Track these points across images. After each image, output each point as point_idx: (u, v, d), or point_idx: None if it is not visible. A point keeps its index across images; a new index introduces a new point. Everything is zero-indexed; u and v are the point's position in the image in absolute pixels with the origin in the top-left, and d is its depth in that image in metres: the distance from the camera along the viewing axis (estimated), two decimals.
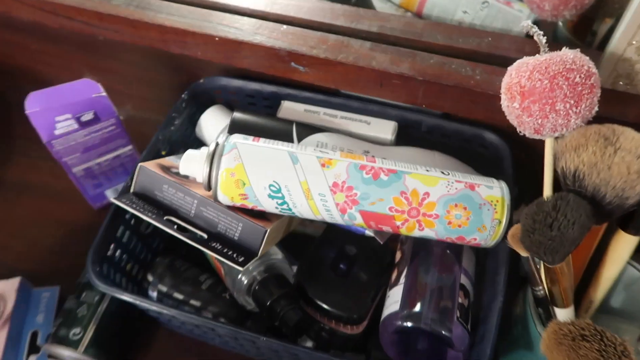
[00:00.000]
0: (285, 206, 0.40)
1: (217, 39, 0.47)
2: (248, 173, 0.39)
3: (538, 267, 0.37)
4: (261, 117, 0.47)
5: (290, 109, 0.50)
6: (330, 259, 0.46)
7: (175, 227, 0.42)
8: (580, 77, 0.33)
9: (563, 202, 0.31)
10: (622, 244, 0.38)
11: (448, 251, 0.44)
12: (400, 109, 0.48)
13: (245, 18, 0.49)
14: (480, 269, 0.45)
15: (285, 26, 0.48)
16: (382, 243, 0.44)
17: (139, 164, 0.44)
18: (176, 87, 0.56)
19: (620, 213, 0.33)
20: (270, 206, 0.40)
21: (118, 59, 0.61)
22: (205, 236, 0.41)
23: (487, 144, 0.47)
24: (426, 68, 0.44)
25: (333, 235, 0.48)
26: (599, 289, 0.40)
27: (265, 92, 0.51)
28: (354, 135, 0.48)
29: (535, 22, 0.53)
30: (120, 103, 0.65)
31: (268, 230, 0.41)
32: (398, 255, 0.46)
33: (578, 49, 0.35)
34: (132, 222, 0.47)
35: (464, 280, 0.42)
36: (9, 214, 0.61)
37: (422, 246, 0.45)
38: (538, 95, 0.34)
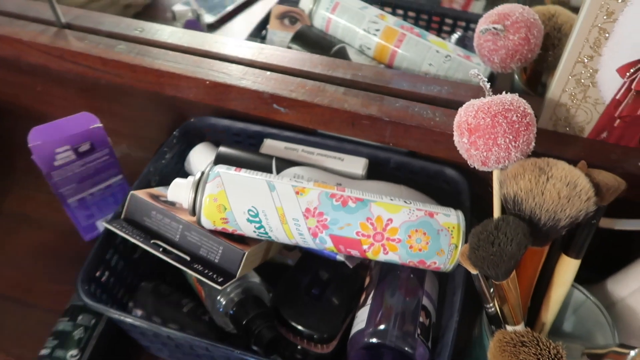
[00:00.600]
0: (262, 230, 0.44)
1: (207, 82, 0.53)
2: (229, 198, 0.43)
3: (488, 285, 0.40)
4: (245, 151, 0.52)
5: (271, 146, 0.55)
6: (304, 284, 0.49)
7: (161, 249, 0.45)
8: (517, 116, 0.39)
9: (504, 222, 0.36)
10: (566, 267, 0.42)
11: (412, 275, 0.48)
12: (371, 147, 0.54)
13: (234, 65, 0.55)
14: (442, 293, 0.49)
15: (269, 72, 0.54)
16: (351, 267, 0.48)
17: (131, 192, 0.49)
18: (170, 126, 0.61)
19: (555, 235, 0.38)
20: (248, 230, 0.44)
21: (117, 100, 0.66)
22: (188, 258, 0.45)
23: (448, 179, 0.52)
24: (392, 110, 0.50)
25: (308, 263, 0.51)
26: (549, 311, 0.44)
27: (250, 131, 0.57)
28: (328, 170, 0.53)
29: (492, 76, 0.61)
30: (117, 142, 0.70)
31: (246, 253, 0.44)
32: (367, 280, 0.50)
33: (516, 94, 0.41)
34: (122, 246, 0.51)
35: (426, 302, 0.46)
36: (5, 243, 0.64)
37: (388, 271, 0.48)
38: (482, 131, 0.39)
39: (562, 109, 0.46)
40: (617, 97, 0.43)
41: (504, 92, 0.40)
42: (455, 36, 0.71)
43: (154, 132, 0.67)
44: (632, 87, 0.42)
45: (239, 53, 0.56)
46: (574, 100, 0.45)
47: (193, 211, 0.44)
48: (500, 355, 0.35)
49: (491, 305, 0.40)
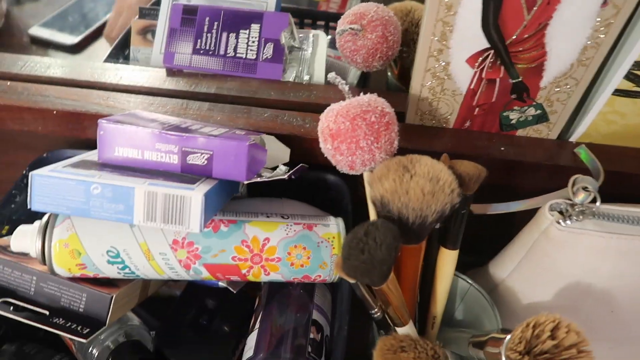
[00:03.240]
0: (127, 270, 0.40)
1: (54, 112, 0.48)
2: (82, 242, 0.38)
3: (369, 291, 0.40)
4: None
5: None
6: (190, 316, 0.46)
7: (12, 308, 0.40)
8: (375, 116, 0.38)
9: (373, 227, 0.35)
10: (446, 259, 0.42)
11: (301, 291, 0.46)
12: None
13: (84, 90, 0.50)
14: (333, 304, 0.47)
15: (125, 95, 0.50)
16: (235, 292, 0.45)
17: None
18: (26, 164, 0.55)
19: (426, 232, 0.38)
20: (112, 272, 0.40)
21: None
22: (47, 312, 0.40)
23: (330, 185, 0.51)
24: (260, 122, 0.47)
25: (192, 292, 0.48)
26: (437, 304, 0.44)
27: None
28: None
29: (366, 75, 0.60)
30: None
31: (114, 296, 0.40)
32: (257, 301, 0.48)
33: (375, 94, 0.40)
34: None
35: (316, 316, 0.44)
36: None
37: (276, 290, 0.46)
38: (343, 135, 0.38)
39: (424, 103, 0.46)
40: (472, 87, 0.44)
41: (361, 94, 0.40)
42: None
43: (9, 172, 0.59)
44: (483, 76, 0.43)
45: (90, 76, 0.51)
46: (434, 93, 0.45)
47: (43, 261, 0.39)
48: None
49: (376, 310, 0.39)
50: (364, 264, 0.34)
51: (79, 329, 0.39)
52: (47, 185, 0.36)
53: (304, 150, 0.48)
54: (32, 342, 0.47)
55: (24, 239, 0.39)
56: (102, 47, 0.78)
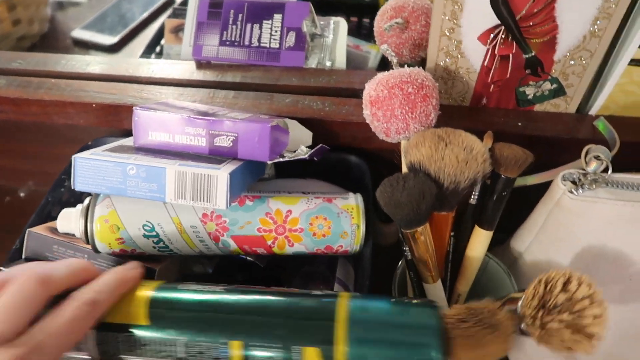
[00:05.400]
0: (162, 244, 0.43)
1: (94, 105, 0.52)
2: (121, 217, 0.42)
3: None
4: None
5: None
6: None
7: None
8: (413, 87, 0.40)
9: (410, 175, 0.37)
10: (480, 239, 0.43)
11: (323, 265, 0.48)
12: None
13: (120, 84, 0.54)
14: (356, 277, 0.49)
15: (157, 87, 0.53)
16: (262, 266, 0.48)
17: (27, 230, 0.47)
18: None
19: (457, 199, 0.39)
20: (147, 246, 0.43)
21: (12, 137, 0.64)
22: None
23: (351, 165, 0.53)
24: (282, 107, 0.50)
25: (224, 268, 0.51)
26: (464, 281, 0.45)
27: None
28: None
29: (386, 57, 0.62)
30: (21, 180, 0.68)
31: (157, 270, 0.44)
32: (281, 278, 0.50)
33: (421, 67, 0.42)
34: None
35: (338, 289, 0.46)
36: None
37: (299, 265, 0.49)
38: (380, 103, 0.40)
39: (440, 82, 0.47)
40: (486, 64, 0.45)
41: (406, 66, 0.41)
42: None
43: (58, 165, 0.65)
44: (496, 52, 0.44)
45: (125, 71, 0.55)
46: (448, 72, 0.46)
47: (86, 239, 0.43)
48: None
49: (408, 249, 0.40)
50: (407, 195, 0.35)
51: None
52: (88, 167, 0.40)
53: (325, 132, 0.50)
54: None
55: (69, 220, 0.43)
56: (138, 45, 0.83)
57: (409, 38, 0.48)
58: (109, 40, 0.84)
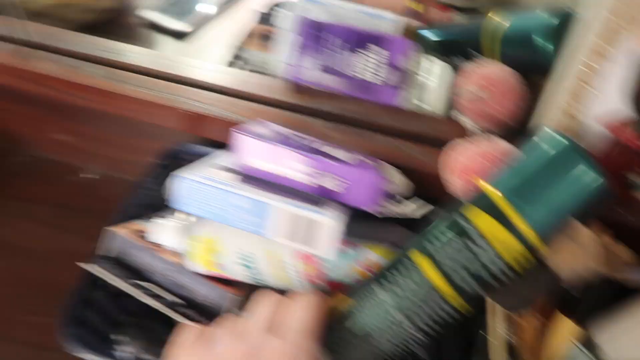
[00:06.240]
0: (254, 273, 0.42)
1: (180, 111, 0.50)
2: (217, 243, 0.41)
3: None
4: None
5: None
6: None
7: (144, 292, 0.42)
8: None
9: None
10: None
11: None
12: None
13: (207, 92, 0.52)
14: None
15: (247, 102, 0.51)
16: None
17: (110, 230, 0.45)
18: (149, 150, 0.57)
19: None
20: (239, 274, 0.42)
21: (91, 123, 0.62)
22: (179, 301, 0.42)
23: None
24: (378, 148, 0.48)
25: None
26: None
27: None
28: None
29: None
30: (94, 162, 0.66)
31: (233, 296, 0.42)
32: None
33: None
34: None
35: None
36: None
37: None
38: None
39: None
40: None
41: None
42: None
43: (132, 155, 0.63)
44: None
45: (215, 79, 0.53)
46: None
47: (180, 255, 0.41)
48: None
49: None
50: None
51: (195, 319, 0.41)
52: (190, 188, 0.38)
53: (416, 182, 0.48)
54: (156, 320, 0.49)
55: (163, 232, 0.42)
56: (211, 36, 0.80)
57: (489, 116, 0.46)
58: (180, 26, 0.81)
